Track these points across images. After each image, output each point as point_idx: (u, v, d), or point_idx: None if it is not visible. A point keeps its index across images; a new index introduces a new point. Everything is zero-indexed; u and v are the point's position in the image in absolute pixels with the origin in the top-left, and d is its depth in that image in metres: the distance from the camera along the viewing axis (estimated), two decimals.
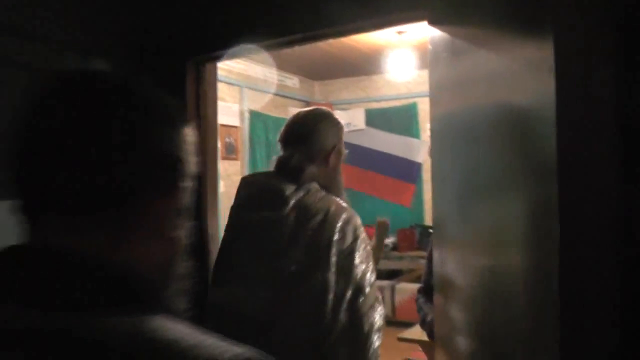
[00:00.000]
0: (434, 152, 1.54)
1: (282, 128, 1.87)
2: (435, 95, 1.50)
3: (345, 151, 1.90)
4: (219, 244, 1.81)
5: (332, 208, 1.70)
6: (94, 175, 0.56)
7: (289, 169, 1.75)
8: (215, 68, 2.32)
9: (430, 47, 1.52)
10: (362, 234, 1.72)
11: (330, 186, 1.80)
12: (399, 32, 4.86)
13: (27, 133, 0.58)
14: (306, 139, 1.80)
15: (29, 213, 0.58)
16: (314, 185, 1.75)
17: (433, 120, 1.53)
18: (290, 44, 2.12)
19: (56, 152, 0.56)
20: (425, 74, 6.34)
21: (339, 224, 1.67)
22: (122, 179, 0.58)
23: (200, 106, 2.19)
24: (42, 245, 0.57)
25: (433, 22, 1.51)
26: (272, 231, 1.66)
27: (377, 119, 6.69)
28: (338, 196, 1.79)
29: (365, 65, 6.21)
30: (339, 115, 2.04)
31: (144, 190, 0.60)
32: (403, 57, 5.24)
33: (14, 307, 0.53)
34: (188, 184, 0.65)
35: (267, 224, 1.67)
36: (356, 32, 2.01)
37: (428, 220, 6.41)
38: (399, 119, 6.67)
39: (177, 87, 2.12)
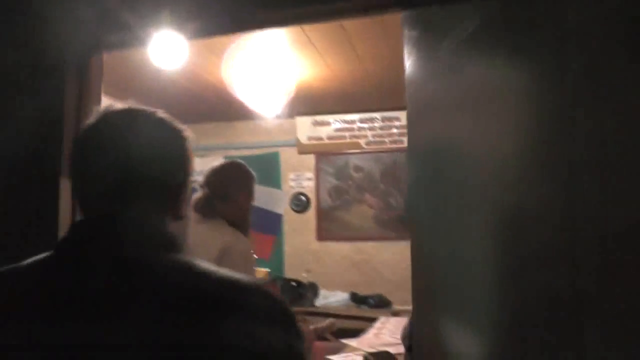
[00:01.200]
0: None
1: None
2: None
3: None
4: None
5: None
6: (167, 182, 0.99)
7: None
8: (101, 61, 2.05)
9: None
10: None
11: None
12: None
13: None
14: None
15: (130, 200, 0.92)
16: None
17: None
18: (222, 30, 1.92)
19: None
20: (289, 122, 6.53)
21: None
22: (179, 186, 1.01)
23: (82, 106, 1.92)
24: (137, 216, 0.91)
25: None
26: None
27: None
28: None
29: (226, 109, 6.14)
30: (197, 162, 2.15)
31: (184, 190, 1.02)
32: (269, 101, 5.21)
33: (127, 248, 0.85)
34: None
35: None
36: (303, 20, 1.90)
37: (288, 272, 6.36)
38: (260, 168, 6.58)
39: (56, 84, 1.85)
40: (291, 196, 6.60)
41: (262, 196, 6.73)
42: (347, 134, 6.32)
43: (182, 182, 0.98)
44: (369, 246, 6.22)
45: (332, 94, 5.49)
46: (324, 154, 6.43)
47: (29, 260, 0.88)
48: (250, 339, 0.77)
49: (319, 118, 6.31)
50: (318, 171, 6.47)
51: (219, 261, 2.06)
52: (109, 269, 0.79)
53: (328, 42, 4.16)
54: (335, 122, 6.35)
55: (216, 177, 2.37)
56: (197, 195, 2.33)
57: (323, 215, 6.40)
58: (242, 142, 6.78)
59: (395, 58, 4.52)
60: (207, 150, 6.62)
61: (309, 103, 5.92)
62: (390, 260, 6.14)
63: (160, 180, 0.94)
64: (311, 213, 6.49)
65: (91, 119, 0.96)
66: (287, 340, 0.81)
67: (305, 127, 6.46)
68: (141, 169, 0.90)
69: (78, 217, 0.94)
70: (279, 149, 6.68)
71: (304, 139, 6.47)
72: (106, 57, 2.02)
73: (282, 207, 6.53)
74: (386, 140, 6.23)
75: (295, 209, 6.55)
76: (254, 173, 2.59)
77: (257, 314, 0.80)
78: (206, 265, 0.86)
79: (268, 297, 0.84)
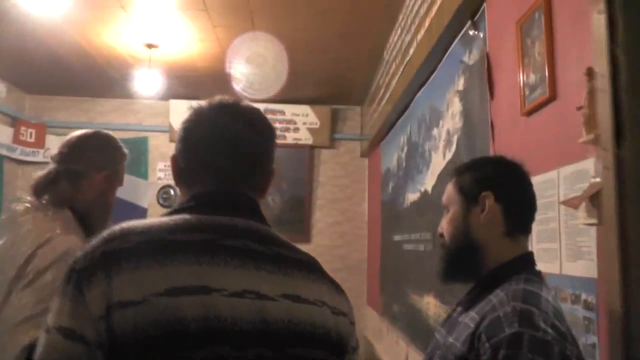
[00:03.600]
0: None
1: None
2: None
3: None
4: None
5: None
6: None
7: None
8: None
9: None
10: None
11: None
12: (149, 46, 4.57)
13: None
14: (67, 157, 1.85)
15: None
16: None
17: None
18: None
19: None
20: (161, 104, 6.25)
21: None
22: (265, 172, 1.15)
23: None
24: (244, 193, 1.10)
25: None
26: None
27: None
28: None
29: (94, 82, 5.75)
30: (51, 140, 1.95)
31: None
32: (145, 78, 4.91)
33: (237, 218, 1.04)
34: None
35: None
36: None
37: None
38: None
39: None
40: (159, 189, 6.32)
41: (125, 186, 6.44)
42: None
43: (272, 168, 1.16)
44: None
45: (216, 76, 5.30)
46: None
47: (167, 218, 1.01)
48: (332, 301, 1.05)
49: (196, 103, 6.02)
50: None
51: (21, 270, 1.59)
52: (248, 234, 1.02)
53: (226, 11, 3.97)
54: None
55: (70, 148, 1.85)
56: (41, 172, 1.85)
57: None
58: (107, 122, 6.38)
59: (297, 41, 4.52)
60: (66, 128, 6.15)
61: (187, 85, 5.70)
62: None
63: (262, 165, 1.14)
64: None
65: (204, 108, 1.14)
66: (350, 306, 1.10)
67: (179, 112, 6.18)
68: (252, 152, 1.11)
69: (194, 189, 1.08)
70: (148, 134, 6.40)
71: (177, 125, 6.15)
72: None
73: (147, 200, 6.28)
74: None
75: (163, 203, 6.30)
76: (126, 151, 2.01)
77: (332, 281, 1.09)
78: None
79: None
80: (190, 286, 0.91)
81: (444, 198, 1.42)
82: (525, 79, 1.81)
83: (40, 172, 1.83)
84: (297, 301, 0.98)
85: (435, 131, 3.08)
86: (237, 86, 5.24)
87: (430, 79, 3.21)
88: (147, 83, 4.92)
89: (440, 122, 2.95)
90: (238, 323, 0.92)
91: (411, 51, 3.35)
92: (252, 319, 0.93)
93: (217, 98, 1.15)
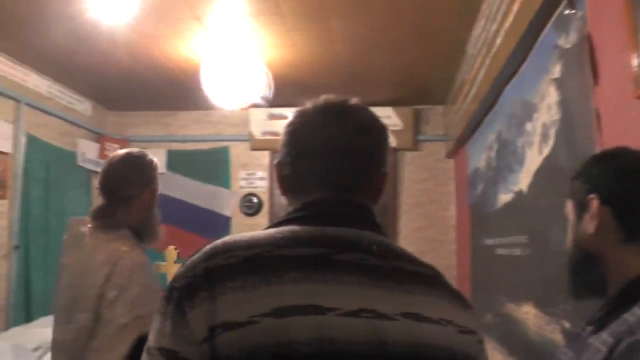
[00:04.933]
0: None
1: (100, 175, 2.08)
2: None
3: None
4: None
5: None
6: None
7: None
8: None
9: None
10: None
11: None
12: (225, 55, 4.54)
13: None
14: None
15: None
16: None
17: None
18: None
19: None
20: (240, 114, 6.25)
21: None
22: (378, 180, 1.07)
23: None
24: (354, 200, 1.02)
25: None
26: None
27: (181, 162, 6.36)
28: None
29: (173, 96, 5.81)
30: None
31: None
32: (225, 86, 4.86)
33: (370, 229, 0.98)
34: None
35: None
36: None
37: None
38: (207, 165, 6.34)
39: None
40: (241, 197, 6.31)
41: (208, 196, 6.50)
42: None
43: (385, 172, 1.08)
44: None
45: (294, 83, 5.23)
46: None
47: (274, 231, 0.95)
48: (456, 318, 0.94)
49: (276, 111, 6.05)
50: (273, 170, 6.15)
51: (104, 287, 1.84)
52: (364, 246, 0.94)
53: (300, 14, 3.85)
54: None
55: (118, 177, 2.04)
56: (98, 204, 2.07)
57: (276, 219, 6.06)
58: (187, 134, 6.47)
59: (375, 42, 4.38)
60: (147, 142, 6.28)
61: (300, 105, 5.60)
62: None
63: (375, 169, 1.06)
64: (264, 217, 6.23)
65: (308, 109, 1.08)
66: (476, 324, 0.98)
67: (259, 121, 6.20)
68: (363, 156, 1.04)
69: (304, 198, 1.01)
70: (229, 144, 6.41)
71: (257, 134, 6.21)
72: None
73: (230, 209, 6.29)
74: None
75: (246, 212, 6.29)
76: (156, 161, 2.15)
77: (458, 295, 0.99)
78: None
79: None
80: (301, 306, 0.84)
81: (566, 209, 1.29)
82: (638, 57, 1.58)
83: (97, 205, 2.05)
84: (419, 320, 0.89)
85: (528, 126, 2.84)
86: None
87: (521, 70, 2.97)
88: (225, 90, 4.88)
89: (534, 116, 2.71)
90: (354, 346, 0.84)
91: (498, 42, 3.12)
92: (369, 341, 0.85)
93: (323, 98, 1.09)
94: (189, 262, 0.91)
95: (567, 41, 2.18)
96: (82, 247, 1.97)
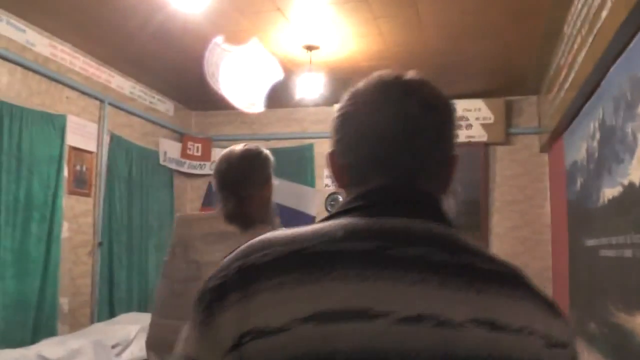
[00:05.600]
0: None
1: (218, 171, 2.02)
2: None
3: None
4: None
5: None
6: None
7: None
8: None
9: None
10: None
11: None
12: (309, 47, 4.36)
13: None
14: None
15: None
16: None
17: None
18: None
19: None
20: (325, 110, 6.09)
21: None
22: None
23: None
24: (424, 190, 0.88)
25: None
26: None
27: None
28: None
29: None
30: (217, 153, 2.18)
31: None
32: (307, 82, 4.71)
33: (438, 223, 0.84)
34: None
35: None
36: None
37: None
38: (291, 163, 6.22)
39: None
40: (326, 196, 6.14)
41: (293, 195, 6.39)
42: None
43: (454, 155, 0.94)
44: None
45: None
46: None
47: (322, 224, 0.81)
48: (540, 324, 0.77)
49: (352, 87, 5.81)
50: None
51: None
52: (429, 239, 0.80)
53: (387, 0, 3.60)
54: None
55: (236, 176, 2.01)
56: (227, 205, 2.00)
57: None
58: (271, 132, 6.39)
59: (465, 27, 4.09)
60: (231, 141, 6.20)
61: (350, 87, 5.42)
62: None
63: (443, 152, 0.92)
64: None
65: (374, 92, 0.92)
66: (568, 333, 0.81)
67: None
68: (428, 137, 0.89)
69: (363, 185, 0.88)
70: (314, 141, 6.26)
71: None
72: None
73: (315, 208, 6.19)
74: None
75: (331, 210, 6.03)
76: (270, 155, 2.09)
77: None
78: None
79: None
80: (347, 309, 0.71)
81: None
82: None
83: (226, 204, 1.97)
84: (494, 329, 0.73)
85: None
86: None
87: (631, 44, 2.61)
88: (310, 87, 4.72)
89: None
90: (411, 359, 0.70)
91: (603, 14, 2.77)
92: (431, 354, 0.71)
93: (376, 74, 0.95)
94: (224, 261, 0.81)
95: None
96: (229, 245, 1.92)
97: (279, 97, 5.59)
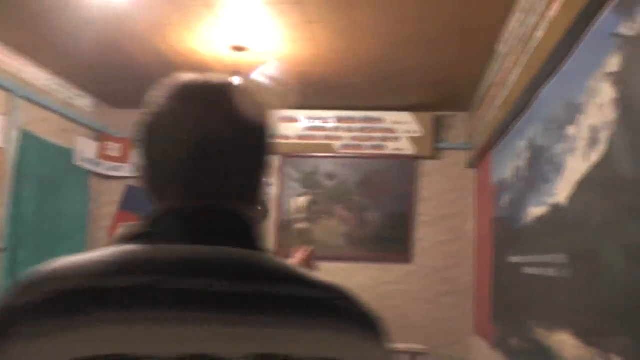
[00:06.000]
0: None
1: None
2: None
3: None
4: None
5: None
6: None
7: None
8: None
9: None
10: None
11: None
12: (237, 49, 4.25)
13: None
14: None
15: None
16: None
17: None
18: None
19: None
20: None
21: None
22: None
23: None
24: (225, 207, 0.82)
25: None
26: None
27: None
28: None
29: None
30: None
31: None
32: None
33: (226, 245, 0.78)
34: None
35: None
36: None
37: None
38: None
39: None
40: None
41: None
42: (319, 133, 5.81)
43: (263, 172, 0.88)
44: (336, 267, 5.67)
45: (311, 82, 4.95)
46: (290, 156, 5.89)
47: (105, 252, 0.75)
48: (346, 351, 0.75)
49: (287, 113, 5.77)
50: (282, 176, 5.91)
51: None
52: (218, 267, 0.74)
53: (322, 2, 3.54)
54: (305, 119, 5.80)
55: None
56: None
57: (284, 229, 5.83)
58: None
59: (400, 36, 4.08)
60: None
61: (159, 86, 5.32)
62: (362, 285, 5.61)
63: (246, 168, 0.85)
64: (270, 225, 5.91)
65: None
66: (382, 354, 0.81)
67: (277, 125, 5.87)
68: (228, 152, 0.83)
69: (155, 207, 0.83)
70: None
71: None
72: None
73: None
74: (365, 144, 5.72)
75: None
76: None
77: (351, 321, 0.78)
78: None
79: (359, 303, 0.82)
80: (100, 356, 0.65)
81: None
82: None
83: None
84: None
85: (571, 130, 2.52)
86: None
87: (564, 67, 2.65)
88: None
89: (579, 118, 2.39)
90: None
91: (538, 35, 2.81)
92: None
93: (183, 77, 0.90)
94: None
95: (632, 27, 1.87)
96: None
97: None
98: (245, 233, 0.81)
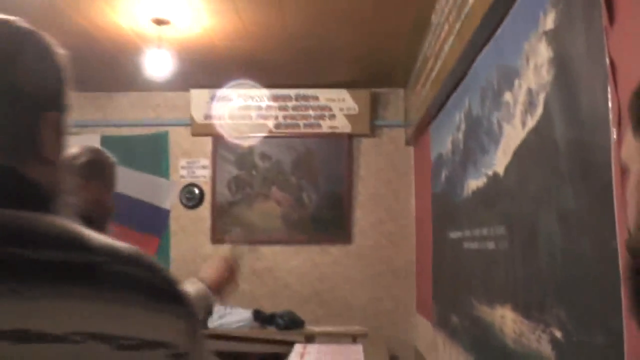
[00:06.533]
0: None
1: None
2: None
3: None
4: None
5: None
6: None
7: None
8: None
9: None
10: None
11: None
12: (158, 21, 4.02)
13: None
14: None
15: None
16: None
17: None
18: None
19: None
20: (182, 96, 5.77)
21: None
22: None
23: None
24: None
25: None
26: None
27: (116, 149, 5.56)
28: None
29: (105, 73, 5.28)
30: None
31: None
32: (156, 60, 4.34)
33: None
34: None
35: None
36: None
37: None
38: (144, 152, 5.85)
39: None
40: (181, 188, 5.86)
41: (146, 187, 6.02)
42: (253, 113, 5.64)
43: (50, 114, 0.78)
44: (274, 251, 5.59)
45: (239, 59, 4.78)
46: (224, 137, 5.69)
47: None
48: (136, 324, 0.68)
49: (220, 92, 5.60)
50: (215, 158, 5.75)
51: None
52: None
53: None
54: (239, 98, 5.63)
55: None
56: None
57: (220, 213, 5.69)
58: (123, 118, 5.94)
59: (329, 12, 3.96)
60: (78, 127, 5.73)
61: (207, 71, 5.17)
62: (300, 268, 5.55)
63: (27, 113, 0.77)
64: (205, 209, 5.77)
65: None
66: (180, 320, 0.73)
67: (201, 103, 5.72)
68: None
69: None
70: (168, 129, 5.92)
71: (199, 118, 5.73)
72: None
73: (170, 201, 5.86)
74: (300, 123, 5.59)
75: (186, 203, 5.84)
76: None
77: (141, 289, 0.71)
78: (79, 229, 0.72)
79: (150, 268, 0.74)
80: None
81: (623, 153, 0.75)
82: None
83: None
84: (22, 341, 0.61)
85: (507, 96, 2.45)
86: None
87: (498, 30, 2.58)
88: (158, 65, 4.36)
89: (516, 82, 2.32)
90: None
91: (470, 0, 2.73)
92: None
93: None
94: None
95: None
96: None
97: (129, 77, 5.22)
98: (21, 192, 0.72)
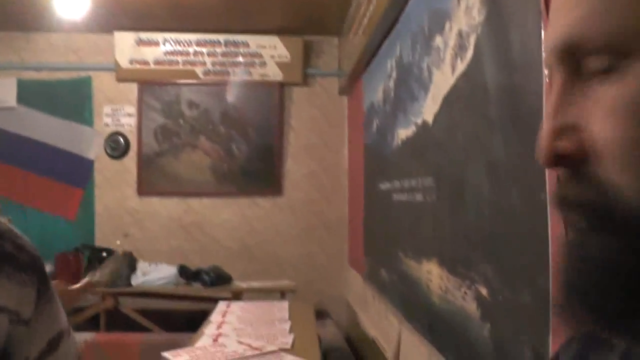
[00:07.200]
0: None
1: None
2: None
3: None
4: None
5: None
6: None
7: None
8: None
9: None
10: None
11: None
12: None
13: None
14: None
15: None
16: None
17: None
18: None
19: None
20: (105, 39, 5.42)
21: None
22: None
23: None
24: None
25: None
26: None
27: (34, 94, 5.49)
28: None
29: (19, 10, 4.85)
30: None
31: None
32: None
33: None
34: None
35: None
36: None
37: (99, 237, 5.29)
38: (66, 98, 5.51)
39: None
40: (105, 137, 5.55)
41: (68, 135, 5.68)
42: (180, 58, 5.35)
43: None
44: (203, 204, 5.39)
45: (165, 1, 4.43)
46: (150, 84, 5.42)
47: None
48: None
49: (145, 36, 5.31)
50: (141, 105, 5.44)
51: None
52: None
53: None
54: (166, 43, 5.32)
55: None
56: None
57: (146, 164, 5.43)
58: (42, 61, 5.54)
59: None
60: None
61: (132, 13, 4.84)
62: (230, 222, 5.37)
63: None
64: (131, 160, 5.49)
65: None
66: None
67: (126, 47, 5.38)
68: None
69: None
70: (91, 74, 5.56)
71: (124, 63, 5.39)
72: None
73: (94, 150, 5.55)
74: (230, 70, 5.32)
75: (111, 153, 5.53)
76: None
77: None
78: None
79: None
80: None
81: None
82: None
83: None
84: None
85: (437, 40, 2.30)
86: None
87: None
88: (74, 4, 4.03)
89: (447, 25, 2.16)
90: None
91: None
92: None
93: None
94: None
95: None
96: None
97: (46, 16, 4.82)
98: None
